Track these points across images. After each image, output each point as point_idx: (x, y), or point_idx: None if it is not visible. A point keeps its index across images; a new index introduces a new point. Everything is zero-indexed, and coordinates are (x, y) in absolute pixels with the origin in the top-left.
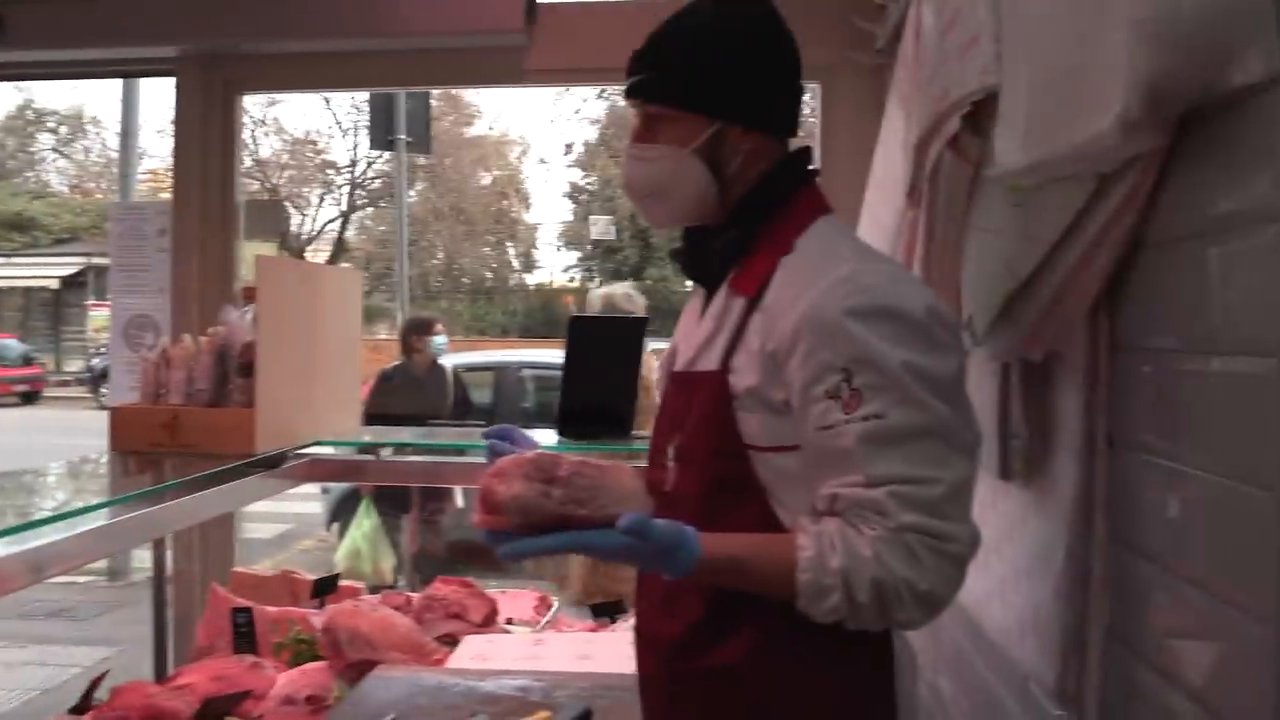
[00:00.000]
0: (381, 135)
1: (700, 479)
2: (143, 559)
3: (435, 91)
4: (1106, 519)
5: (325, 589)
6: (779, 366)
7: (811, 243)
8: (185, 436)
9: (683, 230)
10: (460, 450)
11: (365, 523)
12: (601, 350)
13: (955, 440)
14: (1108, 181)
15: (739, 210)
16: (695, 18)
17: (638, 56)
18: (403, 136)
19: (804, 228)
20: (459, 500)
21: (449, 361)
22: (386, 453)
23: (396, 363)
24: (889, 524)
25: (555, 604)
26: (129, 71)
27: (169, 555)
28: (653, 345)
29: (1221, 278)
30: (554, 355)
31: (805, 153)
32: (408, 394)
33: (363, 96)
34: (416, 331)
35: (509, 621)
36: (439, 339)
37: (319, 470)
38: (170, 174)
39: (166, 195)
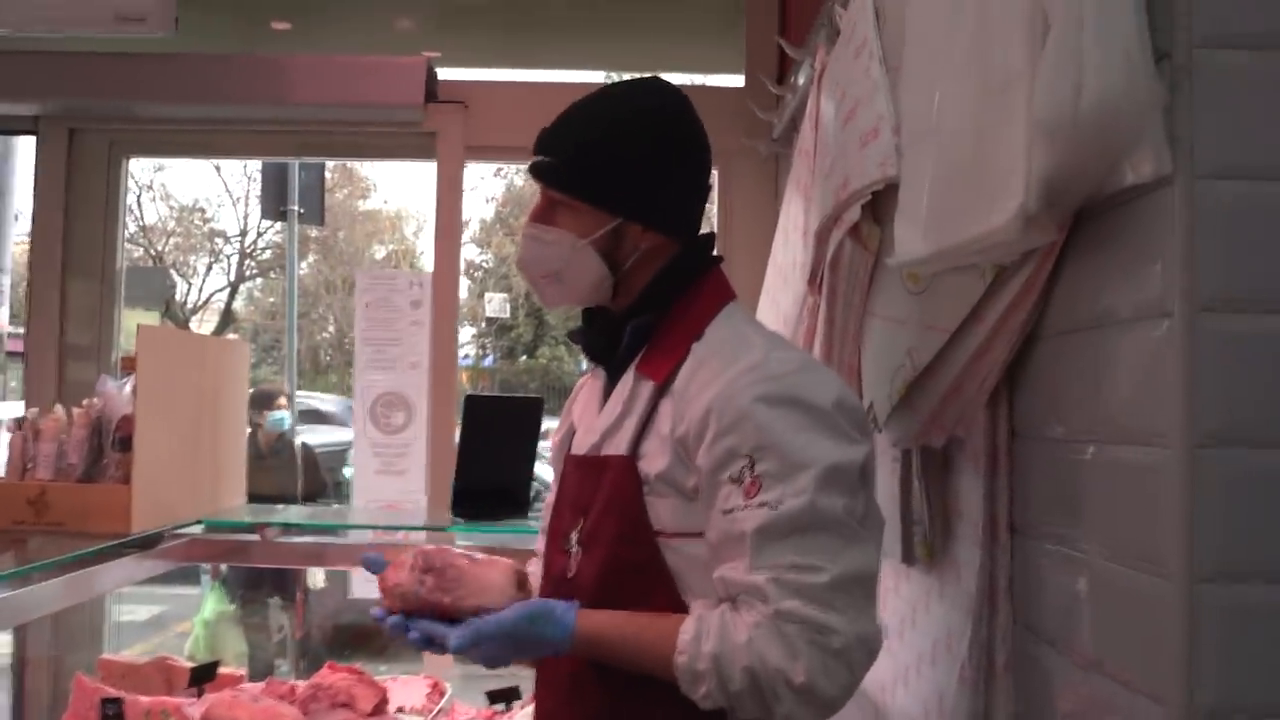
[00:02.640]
0: (273, 205)
1: (605, 564)
2: (1, 645)
3: (330, 164)
4: (1010, 604)
5: (203, 677)
6: (688, 451)
7: (722, 329)
8: (53, 514)
9: (582, 311)
10: (350, 531)
11: (209, 609)
12: (497, 429)
13: (850, 533)
14: (1005, 273)
15: (647, 295)
16: (609, 107)
17: (546, 137)
18: (295, 207)
19: (712, 313)
20: (351, 583)
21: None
22: (273, 532)
23: None
24: (767, 610)
25: (449, 691)
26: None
27: (31, 641)
28: (547, 424)
29: (1113, 369)
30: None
31: (709, 240)
32: (252, 474)
33: (255, 165)
34: (256, 405)
35: (400, 710)
36: (278, 415)
37: (199, 551)
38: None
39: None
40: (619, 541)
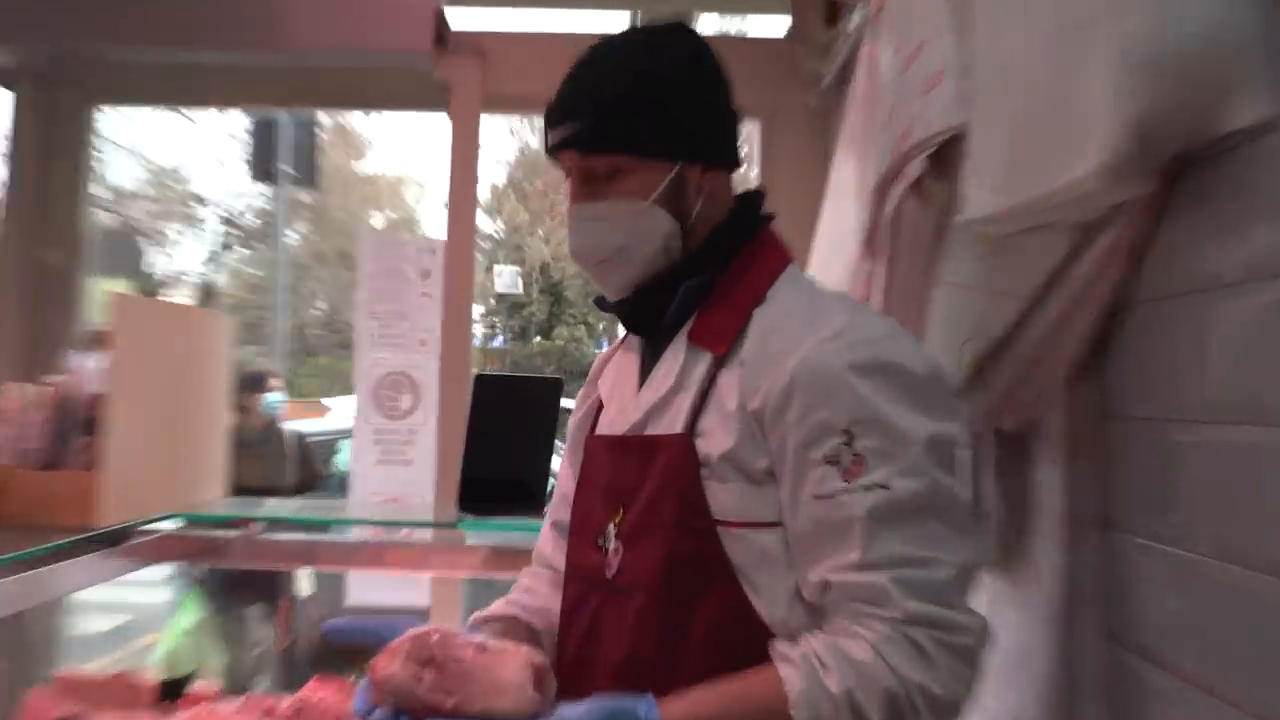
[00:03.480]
0: (260, 166)
1: (657, 560)
2: None
3: (324, 122)
4: (1097, 613)
5: (173, 692)
6: (763, 428)
7: (788, 293)
8: (10, 505)
9: None
10: (346, 526)
11: (186, 618)
12: (511, 413)
13: (958, 518)
14: (1090, 231)
15: (702, 255)
16: (627, 54)
17: (564, 105)
18: (285, 168)
19: (772, 277)
20: (346, 586)
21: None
22: (258, 528)
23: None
24: (892, 615)
25: None
26: None
27: None
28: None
29: (1218, 339)
30: None
31: (759, 194)
32: (237, 464)
33: (240, 123)
34: (246, 388)
35: None
36: (273, 398)
37: (173, 549)
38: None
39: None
40: (675, 531)
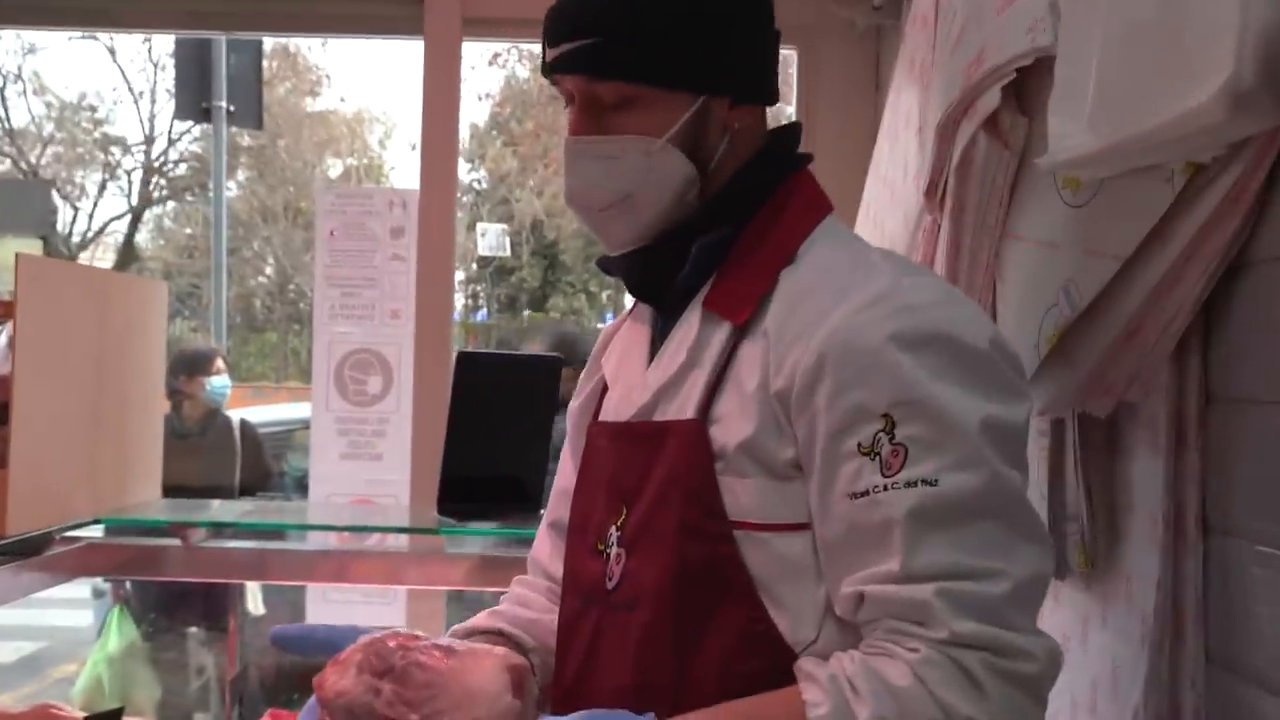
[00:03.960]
0: (192, 101)
1: (663, 570)
2: None
3: (268, 47)
4: (1202, 631)
5: None
6: (789, 413)
7: (824, 250)
8: None
9: None
10: (305, 533)
11: (112, 643)
12: (501, 398)
13: (1023, 519)
14: (1203, 175)
15: (719, 205)
16: None
17: (569, 16)
18: (223, 104)
19: (806, 231)
20: (305, 603)
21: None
22: (199, 536)
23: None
24: (936, 635)
25: None
26: None
27: None
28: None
29: None
30: None
31: (795, 130)
32: (172, 459)
33: (164, 47)
34: (186, 370)
35: None
36: (217, 381)
37: (98, 561)
38: None
39: None
40: (683, 536)
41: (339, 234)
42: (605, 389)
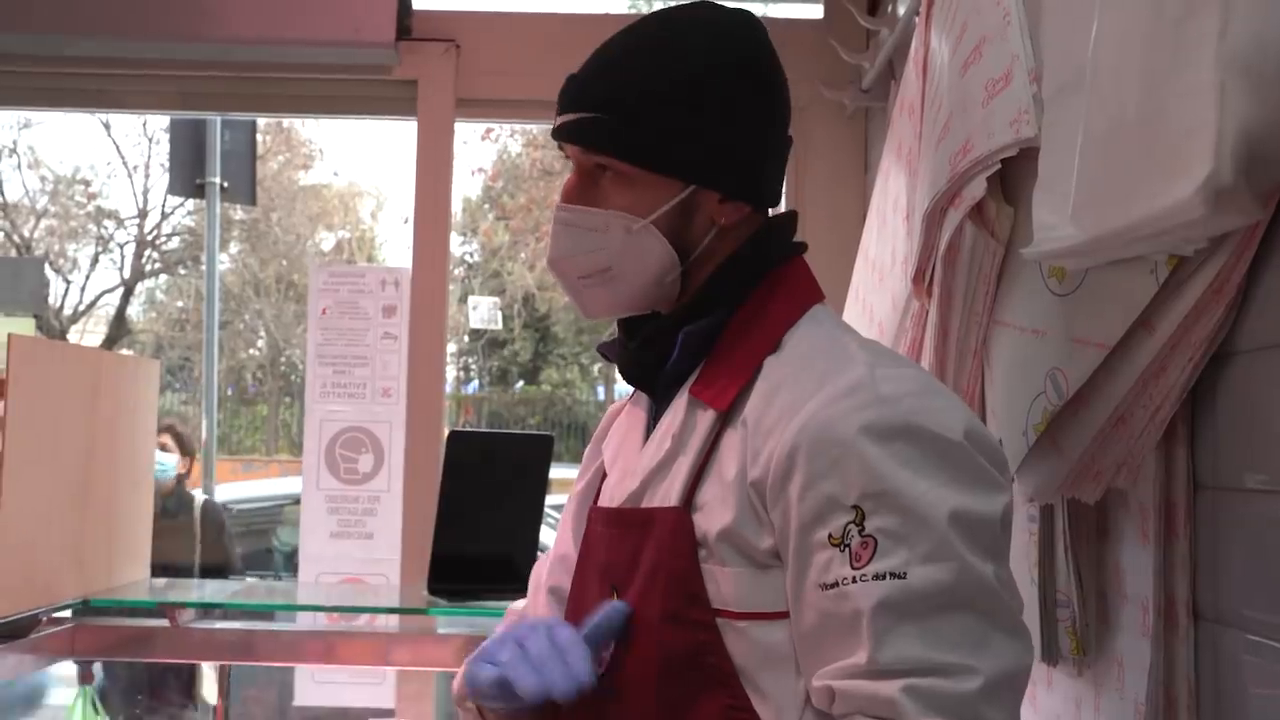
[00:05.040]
0: (186, 178)
1: (647, 659)
2: None
3: (262, 123)
4: (1194, 719)
5: None
6: (764, 502)
7: (806, 339)
8: None
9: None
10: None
11: None
12: (491, 477)
13: (997, 612)
14: (1186, 266)
15: (709, 292)
16: (665, 38)
17: (579, 86)
18: (217, 180)
19: (792, 319)
20: (294, 685)
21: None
22: (187, 616)
23: None
24: None
25: None
26: None
27: None
28: (558, 474)
29: None
30: None
31: (790, 219)
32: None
33: (159, 122)
34: None
35: None
36: (162, 462)
37: (87, 642)
38: None
39: None
40: (667, 625)
41: (331, 312)
42: (605, 473)
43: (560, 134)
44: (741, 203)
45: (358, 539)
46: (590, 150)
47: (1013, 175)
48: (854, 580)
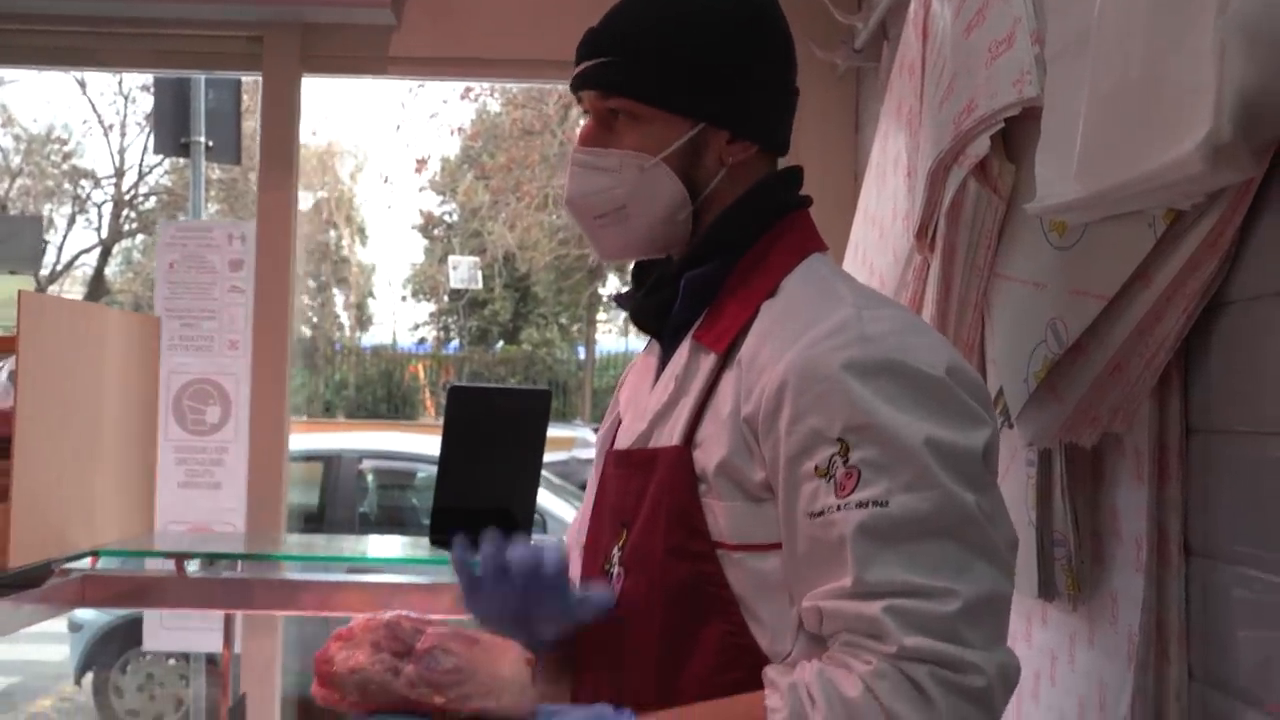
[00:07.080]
0: (171, 137)
1: (652, 589)
2: None
3: (246, 82)
4: (1185, 651)
5: None
6: (756, 436)
7: (800, 284)
8: None
9: (633, 267)
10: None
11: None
12: (491, 430)
13: (978, 539)
14: (1183, 221)
15: (712, 238)
16: None
17: (596, 36)
18: (201, 139)
19: (791, 265)
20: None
21: None
22: (194, 566)
23: None
24: (887, 649)
25: None
26: None
27: None
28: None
29: None
30: (403, 441)
31: (796, 173)
32: None
33: (135, 81)
34: None
35: None
36: None
37: (97, 591)
38: None
39: None
40: (669, 558)
41: (179, 266)
42: (620, 420)
43: (577, 81)
44: (749, 142)
45: (205, 489)
46: (602, 93)
47: (1015, 134)
48: (839, 509)
